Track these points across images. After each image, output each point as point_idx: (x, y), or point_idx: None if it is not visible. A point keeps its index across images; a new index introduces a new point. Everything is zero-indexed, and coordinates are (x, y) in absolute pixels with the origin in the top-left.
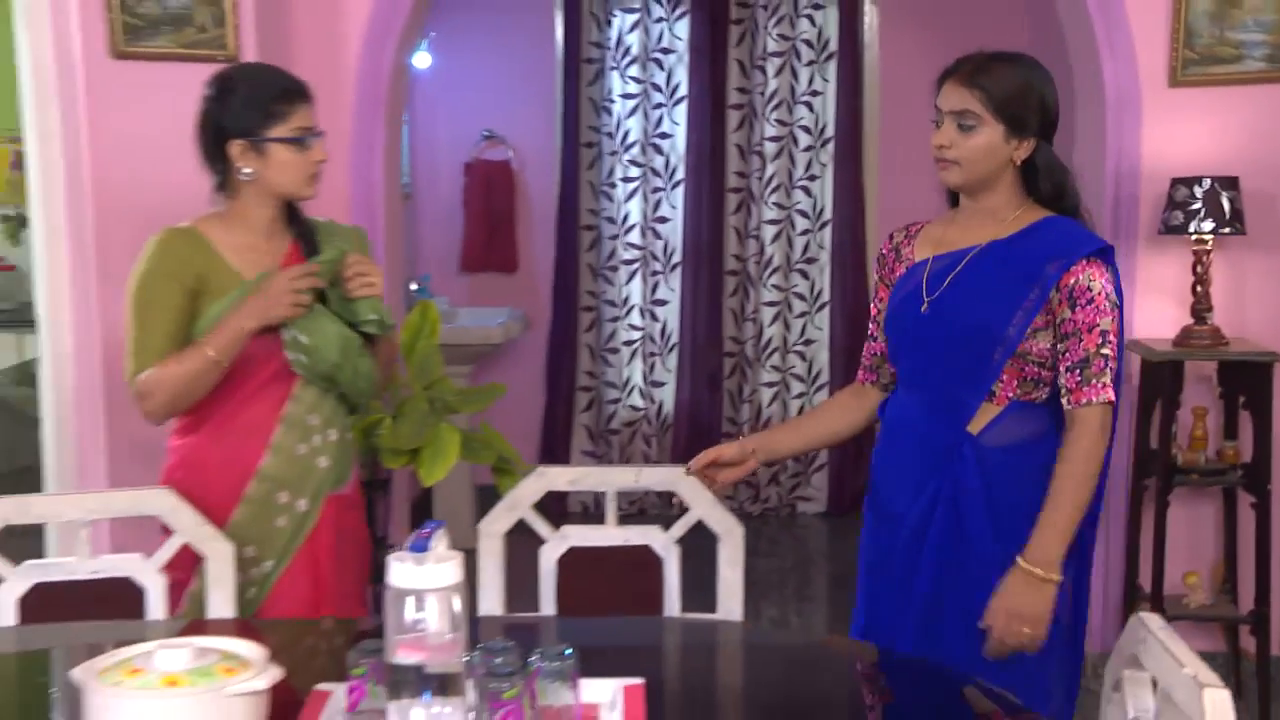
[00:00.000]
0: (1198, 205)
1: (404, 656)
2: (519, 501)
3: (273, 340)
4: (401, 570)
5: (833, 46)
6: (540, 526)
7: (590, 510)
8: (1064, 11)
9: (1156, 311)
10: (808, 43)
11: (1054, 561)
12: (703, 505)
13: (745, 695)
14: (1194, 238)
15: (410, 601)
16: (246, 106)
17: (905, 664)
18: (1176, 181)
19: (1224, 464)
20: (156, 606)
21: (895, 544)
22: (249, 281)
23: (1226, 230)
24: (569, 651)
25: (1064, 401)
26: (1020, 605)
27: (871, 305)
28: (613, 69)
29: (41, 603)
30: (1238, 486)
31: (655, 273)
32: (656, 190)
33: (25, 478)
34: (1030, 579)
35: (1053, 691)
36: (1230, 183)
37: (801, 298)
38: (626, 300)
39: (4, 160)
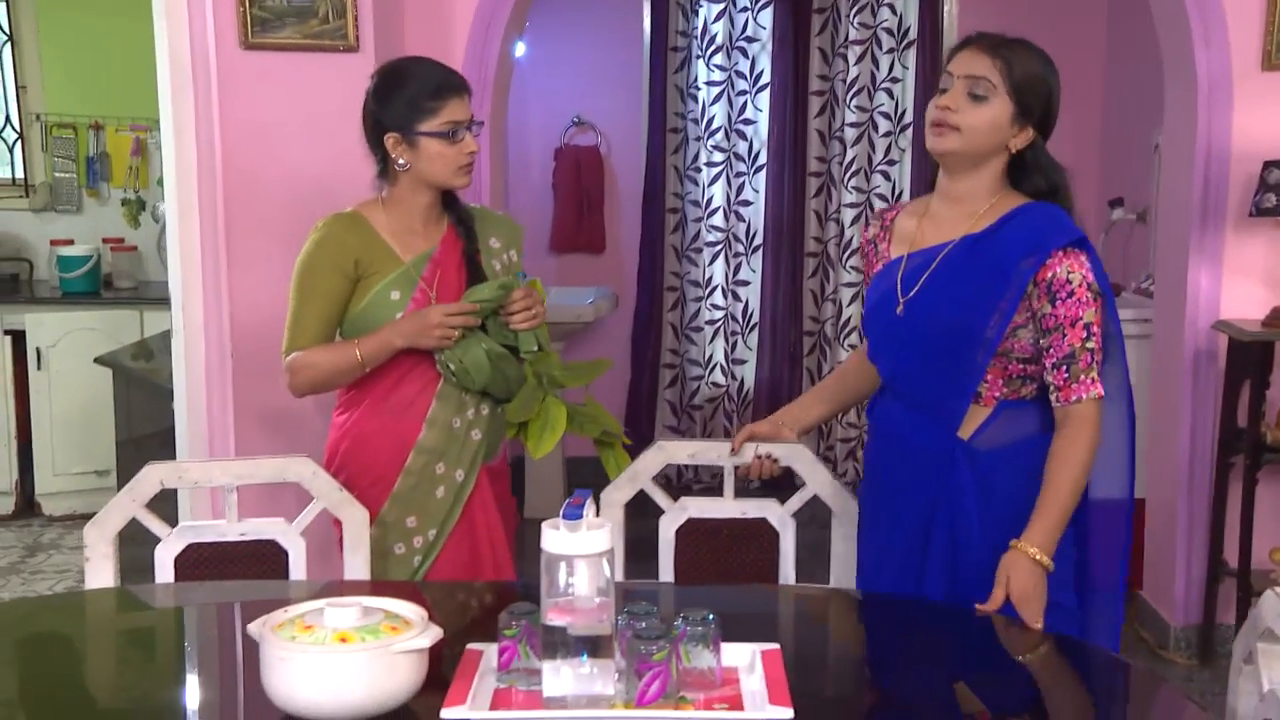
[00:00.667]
0: None
1: (557, 619)
2: (640, 473)
3: None
4: (555, 537)
5: (913, 35)
6: (660, 498)
7: (674, 484)
8: None
9: (1244, 292)
10: (888, 31)
11: (1050, 548)
12: (819, 481)
13: (872, 660)
14: None
15: (563, 566)
16: (400, 102)
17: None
18: (1269, 164)
19: None
20: (298, 567)
21: (894, 550)
22: (409, 263)
23: None
24: (711, 616)
25: (1053, 399)
26: (1032, 588)
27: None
28: (698, 57)
29: (191, 561)
30: None
31: (737, 254)
32: (739, 174)
33: (144, 444)
34: (1029, 561)
35: None
36: None
37: None
38: (710, 280)
39: (126, 147)
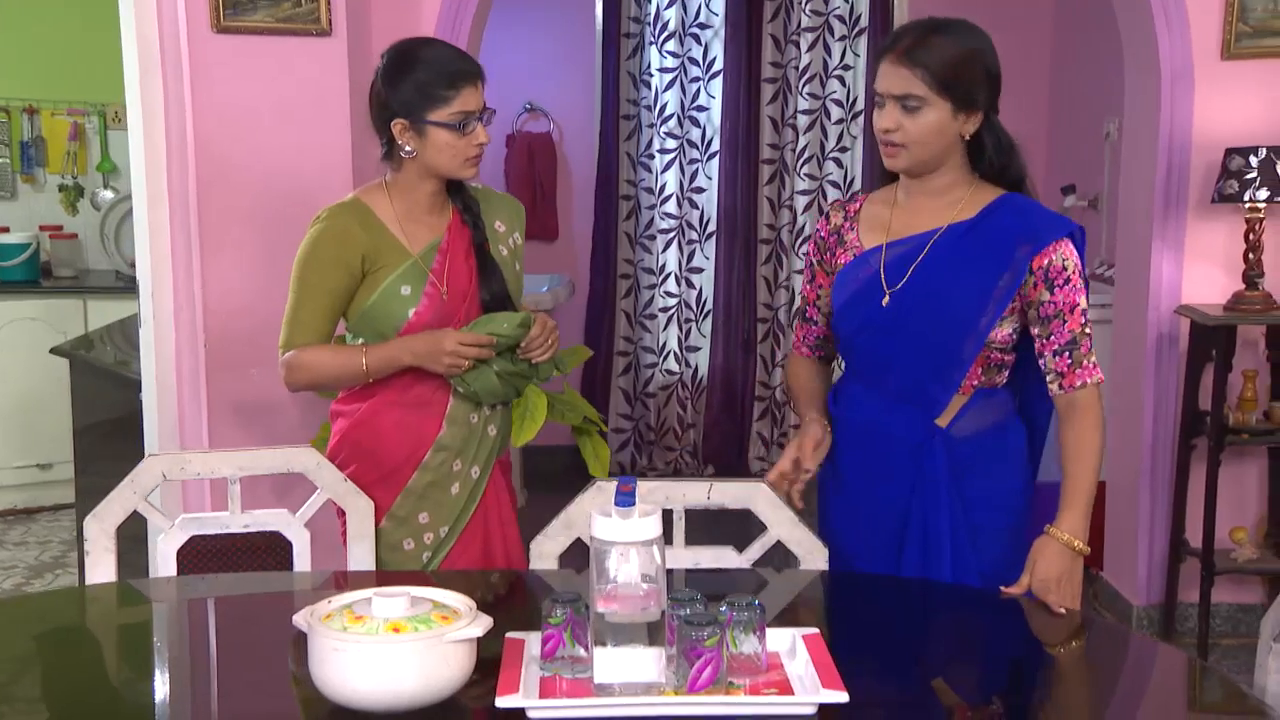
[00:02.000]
0: (1253, 174)
1: (608, 606)
2: (575, 519)
3: (435, 326)
4: (606, 524)
5: (864, 22)
6: None
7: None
8: None
9: (1203, 277)
10: (840, 18)
11: (1084, 534)
12: (783, 525)
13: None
14: (1248, 206)
15: (614, 553)
16: (410, 88)
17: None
18: (1231, 151)
19: (1273, 425)
20: (303, 559)
21: (870, 538)
22: (417, 255)
23: None
24: (757, 601)
25: (1054, 386)
26: (1062, 572)
27: (807, 288)
28: (651, 43)
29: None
30: None
31: (691, 241)
32: (693, 161)
33: (105, 436)
34: (1067, 549)
35: None
36: None
37: None
38: (663, 268)
39: (63, 132)
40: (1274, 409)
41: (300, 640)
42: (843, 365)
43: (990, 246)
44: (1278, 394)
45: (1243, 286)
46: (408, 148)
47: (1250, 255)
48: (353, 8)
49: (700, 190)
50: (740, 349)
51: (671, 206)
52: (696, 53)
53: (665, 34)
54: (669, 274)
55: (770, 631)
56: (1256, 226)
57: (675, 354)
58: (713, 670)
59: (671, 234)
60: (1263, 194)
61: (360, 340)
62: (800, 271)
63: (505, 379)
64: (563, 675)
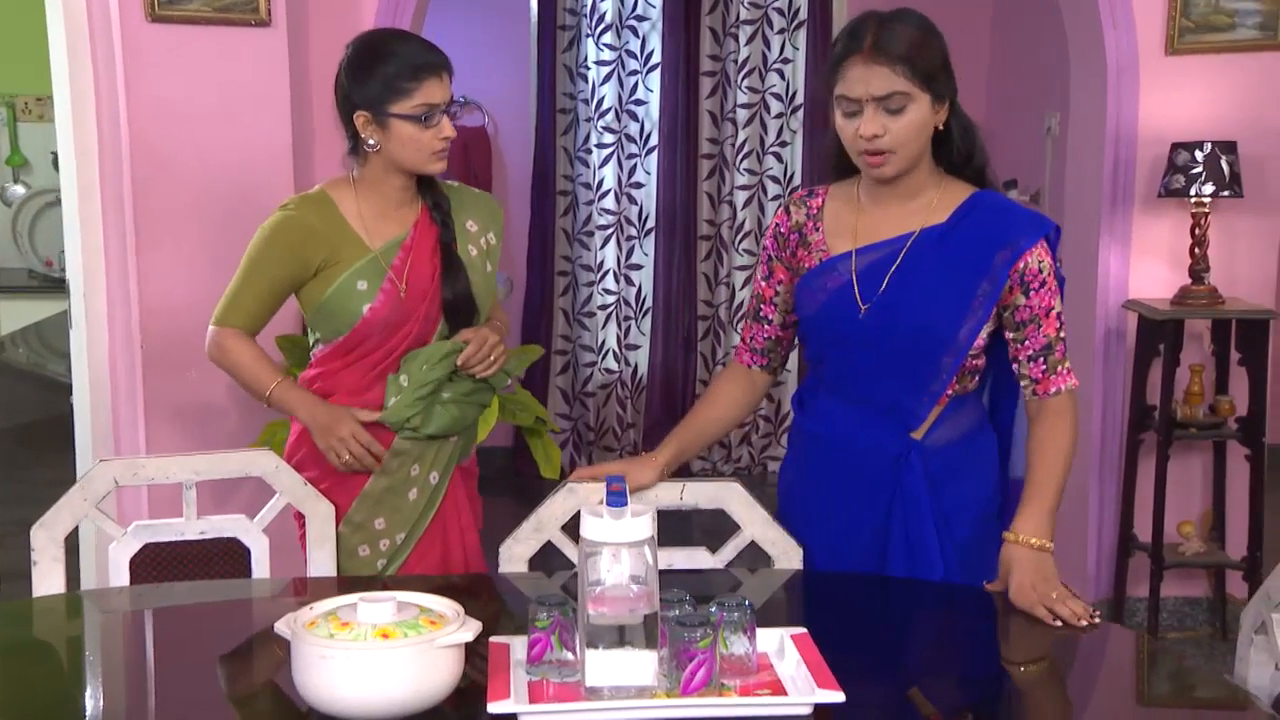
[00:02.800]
0: (1199, 169)
1: (601, 608)
2: (546, 522)
3: (393, 324)
4: (597, 525)
5: (803, 15)
6: (571, 550)
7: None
8: None
9: (1149, 272)
10: (779, 11)
11: (1048, 532)
12: (756, 525)
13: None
14: (1194, 200)
15: (606, 554)
16: (374, 79)
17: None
18: (1177, 146)
19: (1219, 418)
20: (261, 565)
21: (849, 552)
22: (377, 251)
23: (1226, 193)
24: (747, 602)
25: (1028, 392)
26: (1034, 575)
27: (763, 285)
28: (588, 35)
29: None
30: (1231, 439)
31: (630, 238)
32: (631, 156)
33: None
34: (1032, 550)
35: None
36: (1229, 147)
37: None
38: (601, 265)
39: None
40: (1219, 403)
41: (267, 648)
42: (807, 375)
43: (968, 253)
44: (1222, 388)
45: (1189, 281)
46: (371, 141)
47: (1196, 250)
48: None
49: (639, 185)
50: (681, 347)
51: (610, 202)
52: (634, 45)
53: (602, 26)
54: (607, 271)
55: (758, 632)
56: (1202, 221)
57: (614, 352)
58: (706, 672)
59: (610, 230)
60: (1208, 188)
61: (318, 335)
62: (742, 268)
63: (461, 404)
64: (550, 679)
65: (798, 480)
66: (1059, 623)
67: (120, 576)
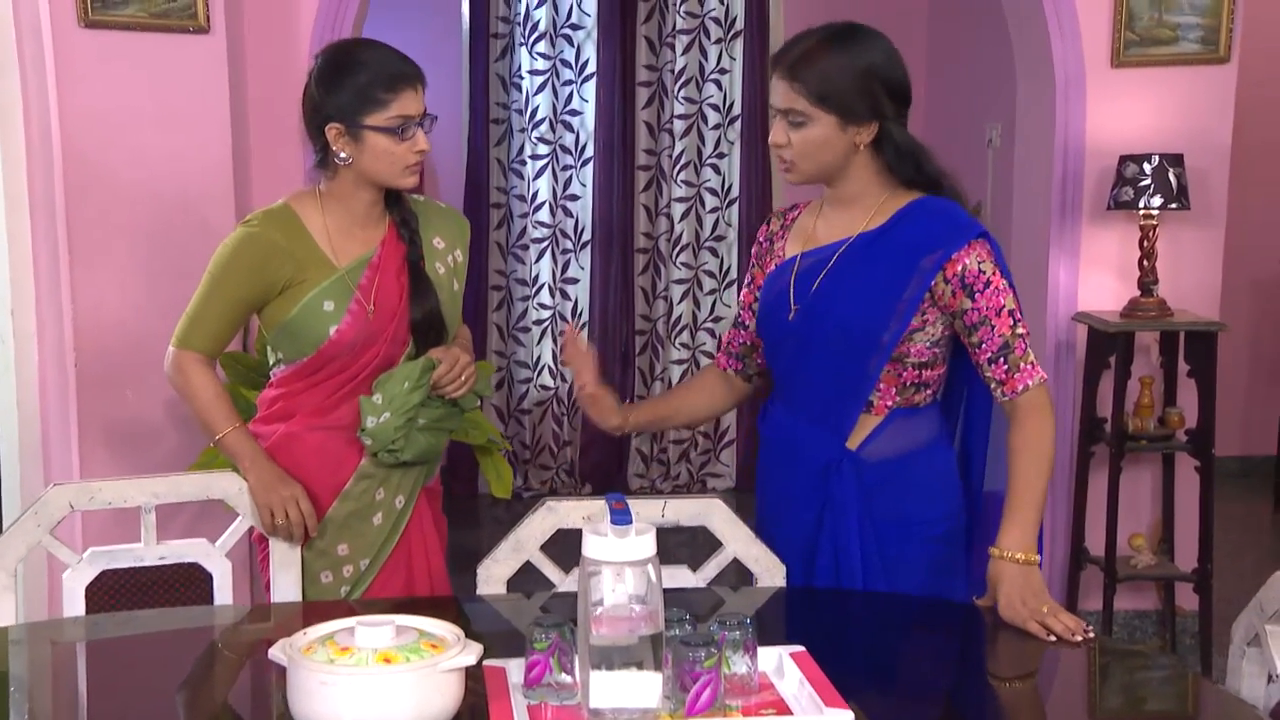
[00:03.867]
0: (1147, 181)
1: (603, 629)
2: (525, 541)
3: (360, 345)
4: (599, 543)
5: (740, 25)
6: (550, 570)
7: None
8: None
9: (1097, 284)
10: (716, 20)
11: (1032, 545)
12: (739, 542)
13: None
14: (1142, 213)
15: (608, 574)
16: (348, 90)
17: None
18: (1126, 158)
19: (1168, 430)
20: (224, 591)
21: (787, 558)
22: (344, 270)
23: (1174, 206)
24: (748, 620)
25: (998, 394)
26: (1026, 590)
27: (744, 292)
28: (521, 44)
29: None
30: (1180, 451)
31: (565, 251)
32: (566, 168)
33: None
34: (1018, 565)
35: None
36: (1176, 159)
37: (711, 275)
38: (536, 278)
39: None
40: (1169, 415)
41: (235, 676)
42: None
43: (894, 256)
44: (1170, 400)
45: (1138, 293)
46: (343, 154)
47: (1145, 262)
48: (230, 4)
49: (574, 198)
50: (618, 362)
51: (544, 215)
52: (569, 54)
53: (536, 35)
54: (543, 285)
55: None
56: (1151, 233)
57: (550, 368)
58: (711, 692)
59: (545, 243)
60: (1157, 201)
61: (279, 355)
62: (680, 281)
63: (433, 431)
64: (549, 703)
65: (758, 486)
66: (1053, 638)
67: (75, 605)
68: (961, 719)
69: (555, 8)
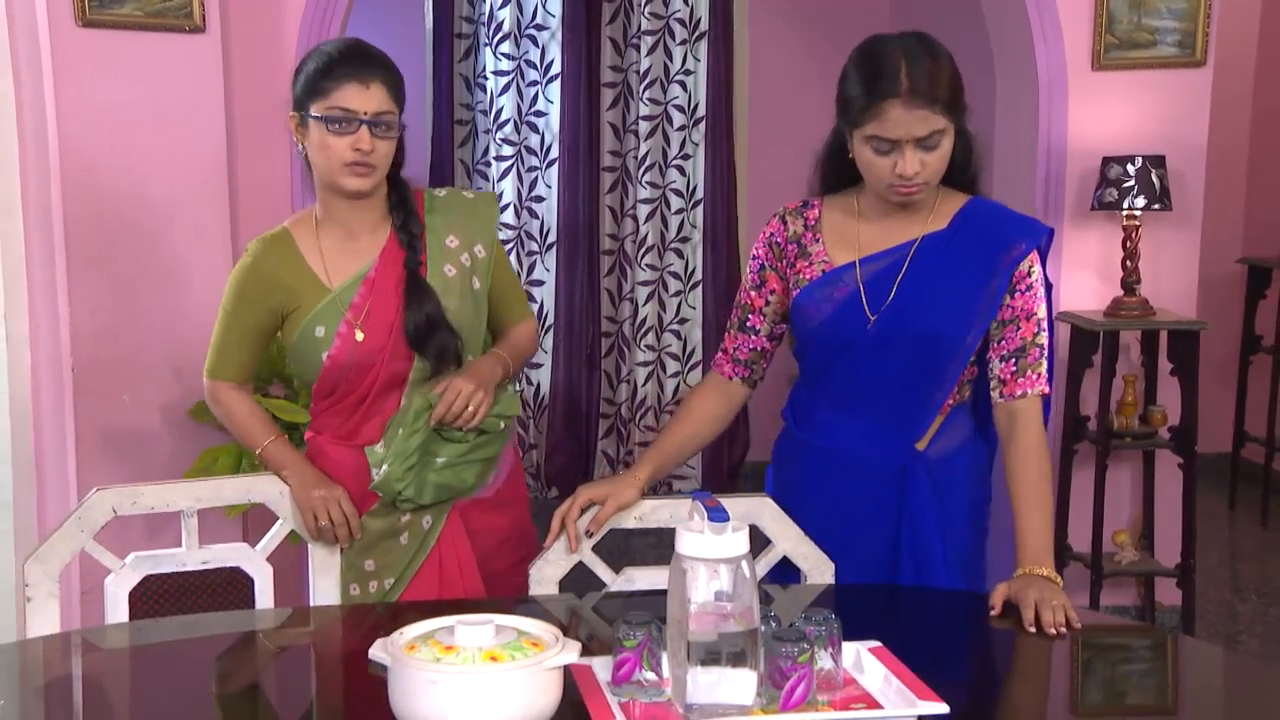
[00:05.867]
0: (1131, 182)
1: (701, 625)
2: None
3: (357, 368)
4: (694, 540)
5: (704, 26)
6: (602, 570)
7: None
8: None
9: (1080, 284)
10: (680, 21)
11: (1050, 560)
12: (789, 540)
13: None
14: (1125, 213)
15: (704, 570)
16: (300, 77)
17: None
18: (1109, 160)
19: (1151, 428)
20: (265, 595)
21: (864, 569)
22: (335, 291)
23: (1157, 206)
24: (833, 615)
25: (995, 393)
26: (1049, 592)
27: (753, 294)
28: (485, 45)
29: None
30: (1162, 449)
31: (531, 253)
32: (531, 169)
33: None
34: (1041, 580)
35: None
36: (1159, 161)
37: (676, 277)
38: None
39: None
40: (1152, 413)
41: (285, 680)
42: (797, 387)
43: (973, 257)
44: (1151, 398)
45: (1121, 293)
46: (299, 146)
47: (1128, 262)
48: (225, 4)
49: (540, 199)
50: (584, 365)
51: (510, 216)
52: (534, 55)
53: (500, 35)
54: None
55: None
56: (1134, 234)
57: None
58: (805, 688)
59: (510, 245)
60: (1140, 201)
61: (294, 381)
62: (645, 283)
63: (458, 466)
64: (639, 700)
65: (795, 493)
66: (1034, 628)
67: (118, 612)
68: (1044, 713)
69: (520, 8)
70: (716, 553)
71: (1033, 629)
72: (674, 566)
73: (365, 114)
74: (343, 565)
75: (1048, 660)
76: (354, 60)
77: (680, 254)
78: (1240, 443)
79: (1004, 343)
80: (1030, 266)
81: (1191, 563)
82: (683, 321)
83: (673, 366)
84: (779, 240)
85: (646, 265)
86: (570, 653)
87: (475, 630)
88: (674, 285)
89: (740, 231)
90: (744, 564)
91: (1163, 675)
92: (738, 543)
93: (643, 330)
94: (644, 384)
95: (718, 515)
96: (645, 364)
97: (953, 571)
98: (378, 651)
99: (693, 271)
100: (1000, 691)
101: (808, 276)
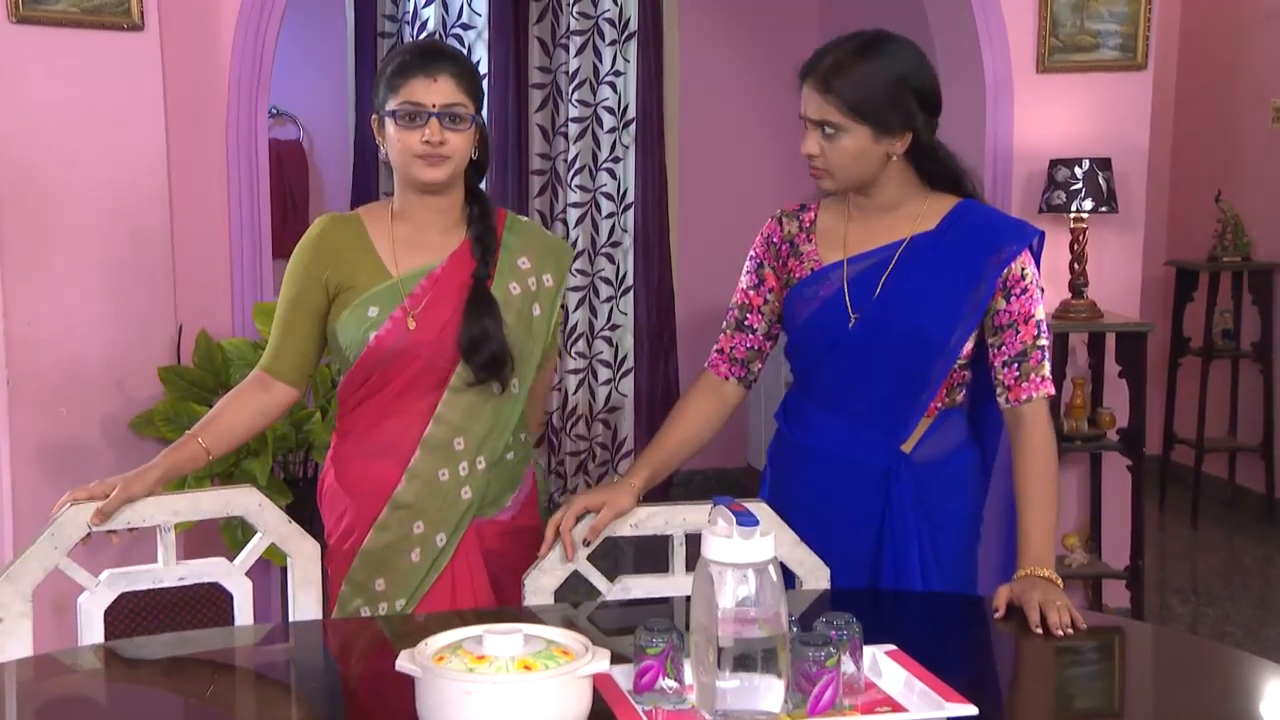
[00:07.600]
0: (1079, 185)
1: (729, 631)
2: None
3: (399, 357)
4: (721, 545)
5: (634, 26)
6: (596, 578)
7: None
8: None
9: None
10: (610, 21)
11: (1052, 562)
12: (784, 545)
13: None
14: (1073, 216)
15: (730, 576)
16: (378, 81)
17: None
18: (1056, 162)
19: (1099, 430)
20: (244, 611)
21: (844, 570)
22: (399, 277)
23: (1104, 209)
24: (854, 619)
25: (1002, 399)
26: (1052, 593)
27: (751, 293)
28: None
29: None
30: (1110, 451)
31: None
32: None
33: None
34: (1043, 582)
35: None
36: (1105, 164)
37: (607, 282)
38: None
39: None
40: (1100, 415)
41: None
42: (791, 388)
43: (959, 257)
44: (1098, 400)
45: (1069, 295)
46: (382, 149)
47: (1076, 265)
48: (163, 1)
49: None
50: None
51: None
52: None
53: (425, 34)
54: None
55: None
56: (1081, 236)
57: None
58: (833, 692)
59: None
60: (1088, 204)
61: (336, 368)
62: (575, 289)
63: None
64: (662, 708)
65: (782, 493)
66: (1040, 629)
67: (94, 631)
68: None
69: (445, 7)
70: (745, 557)
71: (1039, 630)
72: (699, 572)
73: (434, 106)
74: (350, 589)
75: (1052, 661)
76: (422, 57)
77: (611, 259)
78: (1169, 445)
79: (1005, 348)
80: (1023, 269)
81: (1140, 564)
82: (614, 328)
83: (604, 374)
84: (775, 240)
85: (577, 271)
86: (602, 660)
87: (505, 639)
88: (605, 291)
89: (671, 235)
90: (771, 569)
91: (1178, 673)
92: (765, 547)
93: (574, 337)
94: (575, 392)
95: (746, 520)
96: (576, 371)
97: (932, 576)
98: (405, 663)
99: (624, 277)
100: (1017, 694)
101: (798, 275)
